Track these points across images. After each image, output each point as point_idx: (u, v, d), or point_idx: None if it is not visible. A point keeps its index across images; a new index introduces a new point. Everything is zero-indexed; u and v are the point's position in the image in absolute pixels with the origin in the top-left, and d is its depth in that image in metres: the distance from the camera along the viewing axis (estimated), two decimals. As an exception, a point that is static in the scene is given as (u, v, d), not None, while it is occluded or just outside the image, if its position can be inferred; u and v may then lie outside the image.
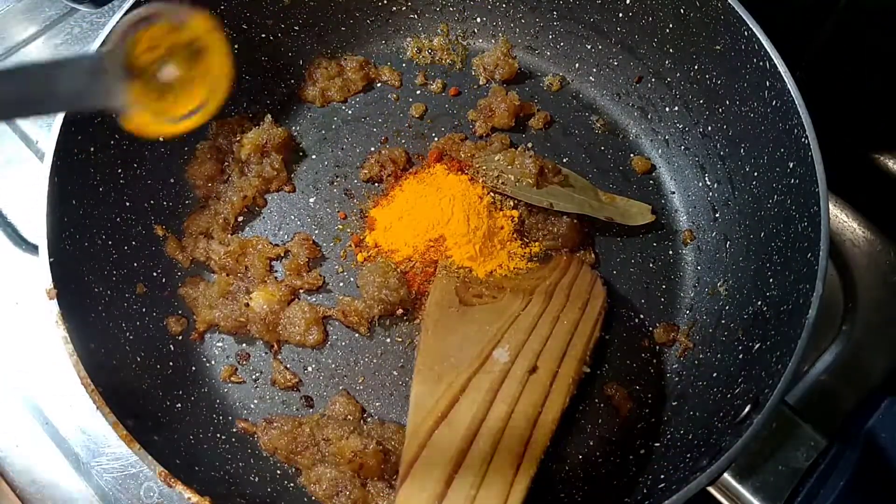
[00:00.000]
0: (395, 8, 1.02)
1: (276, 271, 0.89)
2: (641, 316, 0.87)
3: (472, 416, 0.60)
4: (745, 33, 0.78)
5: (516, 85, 1.00)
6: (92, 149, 0.82)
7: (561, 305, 0.76)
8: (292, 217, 0.93)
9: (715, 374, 0.78)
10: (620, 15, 0.94)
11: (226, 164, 0.94)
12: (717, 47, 0.84)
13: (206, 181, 0.92)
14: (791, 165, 0.75)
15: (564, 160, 0.95)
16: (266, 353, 0.86)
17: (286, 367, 0.84)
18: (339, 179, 0.95)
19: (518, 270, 0.84)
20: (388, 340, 0.86)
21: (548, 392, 0.65)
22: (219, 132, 0.94)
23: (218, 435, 0.80)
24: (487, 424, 0.60)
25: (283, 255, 0.90)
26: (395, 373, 0.84)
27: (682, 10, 0.86)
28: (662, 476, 0.71)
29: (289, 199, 0.94)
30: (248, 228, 0.93)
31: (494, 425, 0.60)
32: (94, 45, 0.81)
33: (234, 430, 0.81)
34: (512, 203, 0.88)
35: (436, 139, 0.96)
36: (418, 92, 1.01)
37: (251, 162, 0.93)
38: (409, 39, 1.04)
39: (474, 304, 0.75)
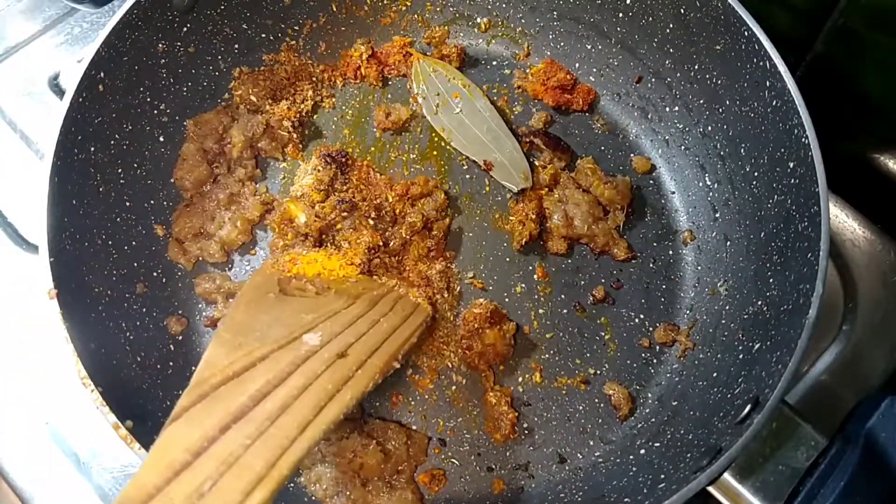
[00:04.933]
0: (395, 8, 1.02)
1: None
2: (641, 316, 0.87)
3: (265, 379, 0.58)
4: (745, 33, 0.78)
5: (516, 85, 1.01)
6: (92, 149, 0.82)
7: (382, 313, 0.75)
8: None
9: (715, 374, 0.79)
10: (620, 15, 0.94)
11: (215, 165, 0.94)
12: (717, 47, 0.84)
13: (195, 184, 0.92)
14: (791, 165, 0.75)
15: (564, 160, 0.95)
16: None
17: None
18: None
19: (347, 278, 0.81)
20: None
21: (352, 375, 0.64)
22: (198, 131, 0.93)
23: (218, 435, 0.80)
24: (280, 390, 0.58)
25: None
26: (394, 373, 0.84)
27: (682, 10, 0.86)
28: (662, 476, 0.71)
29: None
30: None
31: (288, 392, 0.58)
32: (94, 45, 0.81)
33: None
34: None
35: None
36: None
37: (243, 158, 0.93)
38: (407, 40, 1.04)
39: (295, 294, 0.73)
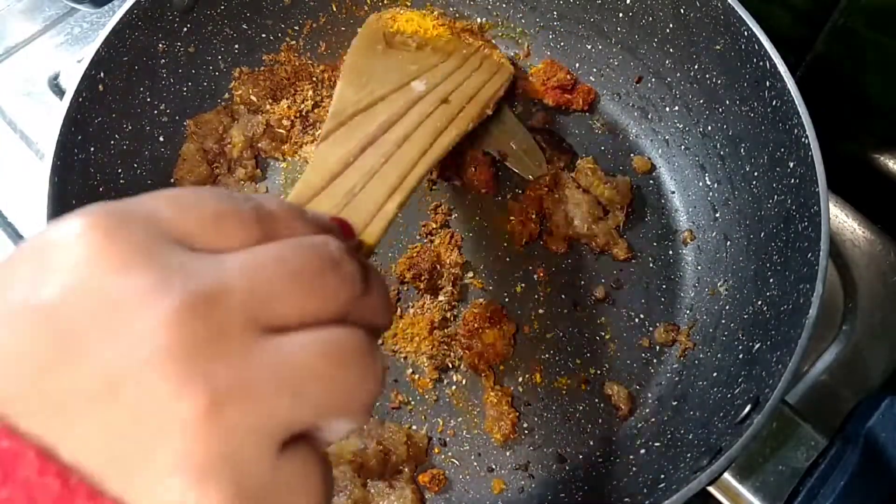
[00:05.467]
0: (395, 8, 1.02)
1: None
2: (641, 316, 0.87)
3: (388, 114, 0.69)
4: (745, 33, 0.78)
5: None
6: (92, 149, 0.82)
7: (474, 67, 0.86)
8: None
9: (715, 374, 0.79)
10: (620, 15, 0.93)
11: (215, 164, 0.94)
12: (717, 47, 0.84)
13: (195, 185, 0.91)
14: (791, 165, 0.75)
15: (564, 160, 0.95)
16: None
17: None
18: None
19: (440, 36, 0.88)
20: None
21: (455, 117, 0.76)
22: (198, 131, 0.93)
23: (218, 435, 0.80)
24: (401, 123, 0.69)
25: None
26: (394, 373, 0.84)
27: (682, 10, 0.86)
28: (662, 476, 0.71)
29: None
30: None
31: (407, 126, 0.69)
32: (94, 45, 0.81)
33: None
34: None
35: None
36: (418, 92, 1.01)
37: (243, 158, 0.93)
38: (409, 39, 1.04)
39: (398, 47, 0.83)
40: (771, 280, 0.77)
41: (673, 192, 0.94)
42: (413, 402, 0.84)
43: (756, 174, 0.82)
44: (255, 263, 0.30)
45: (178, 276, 0.27)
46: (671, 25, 0.89)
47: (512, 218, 0.91)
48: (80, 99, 0.79)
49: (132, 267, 0.27)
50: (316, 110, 0.98)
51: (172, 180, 0.91)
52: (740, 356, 0.76)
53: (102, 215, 0.29)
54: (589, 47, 0.99)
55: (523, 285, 0.89)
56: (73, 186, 0.79)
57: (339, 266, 0.32)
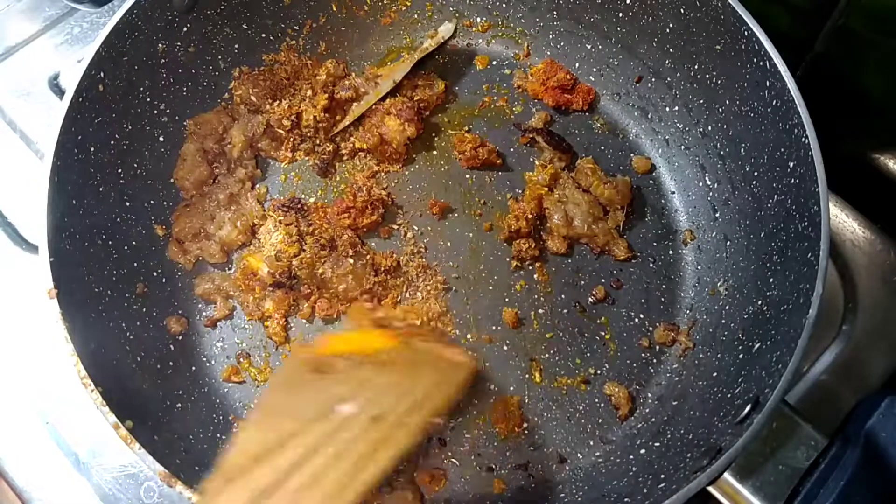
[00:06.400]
0: (395, 8, 1.02)
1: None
2: (641, 316, 0.87)
3: (296, 454, 0.58)
4: (745, 33, 0.78)
5: (516, 85, 1.01)
6: (92, 149, 0.82)
7: (420, 374, 0.72)
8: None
9: (715, 374, 0.79)
10: (620, 15, 0.93)
11: (215, 165, 0.94)
12: (717, 47, 0.84)
13: (195, 184, 0.91)
14: (791, 165, 0.75)
15: (564, 160, 0.95)
16: (266, 353, 0.86)
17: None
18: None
19: (383, 349, 0.76)
20: (388, 340, 0.86)
21: (389, 436, 0.63)
22: (198, 131, 0.93)
23: (218, 435, 0.80)
24: (313, 461, 0.58)
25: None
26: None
27: (682, 10, 0.86)
28: (662, 476, 0.71)
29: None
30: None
31: (320, 462, 0.58)
32: (94, 45, 0.81)
33: (235, 430, 0.81)
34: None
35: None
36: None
37: (243, 158, 0.93)
38: (407, 40, 1.04)
39: (328, 371, 0.70)
40: (771, 280, 0.77)
41: (673, 192, 0.94)
42: (413, 402, 0.84)
43: (756, 174, 0.82)
44: None
45: None
46: (671, 25, 0.89)
47: (509, 216, 0.90)
48: (80, 99, 0.79)
49: None
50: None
51: (172, 180, 0.92)
52: (740, 356, 0.76)
53: None
54: (589, 47, 0.99)
55: (523, 285, 0.89)
56: (73, 186, 0.79)
57: None
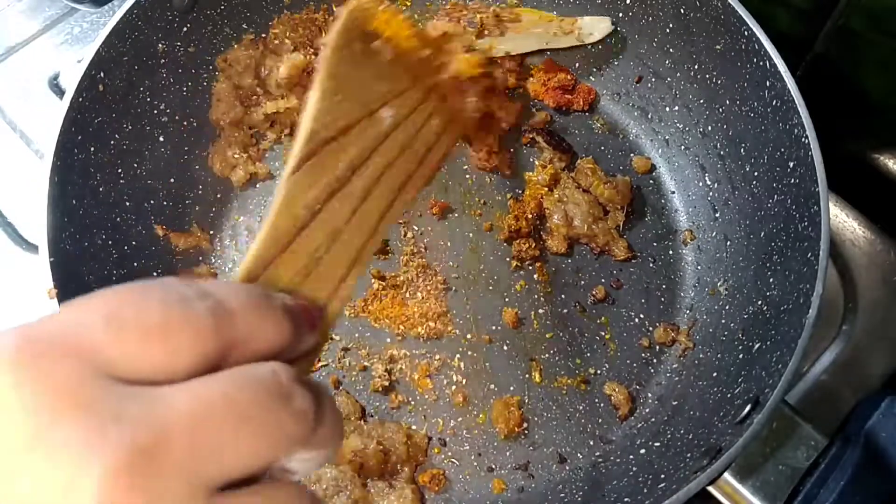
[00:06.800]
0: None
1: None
2: (641, 316, 0.87)
3: (356, 150, 0.60)
4: (745, 33, 0.78)
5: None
6: (92, 149, 0.82)
7: (431, 110, 0.73)
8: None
9: (715, 374, 0.79)
10: (620, 15, 0.94)
11: (253, 97, 0.95)
12: (717, 47, 0.84)
13: (234, 123, 0.93)
14: (791, 165, 0.75)
15: (564, 160, 0.95)
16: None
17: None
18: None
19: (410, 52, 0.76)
20: (389, 340, 0.86)
21: (411, 175, 0.66)
22: (229, 68, 0.94)
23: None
24: (368, 166, 0.60)
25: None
26: (394, 372, 0.85)
27: (682, 10, 0.86)
28: (662, 476, 0.71)
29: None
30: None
31: (372, 173, 0.60)
32: (94, 45, 0.81)
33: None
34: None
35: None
36: (418, 92, 1.01)
37: (285, 87, 0.93)
38: (409, 39, 1.04)
39: (374, 55, 0.70)
40: (771, 280, 0.77)
41: (673, 192, 0.94)
42: (413, 402, 0.84)
43: (756, 174, 0.82)
44: (199, 407, 0.26)
45: (112, 427, 0.24)
46: (671, 25, 0.89)
47: (508, 215, 0.90)
48: (80, 99, 0.79)
49: (57, 422, 0.24)
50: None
51: (172, 180, 0.92)
52: (740, 356, 0.76)
53: (20, 351, 0.25)
54: (589, 47, 0.99)
55: (523, 285, 0.89)
56: (73, 186, 0.79)
57: (290, 401, 0.29)
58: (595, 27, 0.95)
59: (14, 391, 0.24)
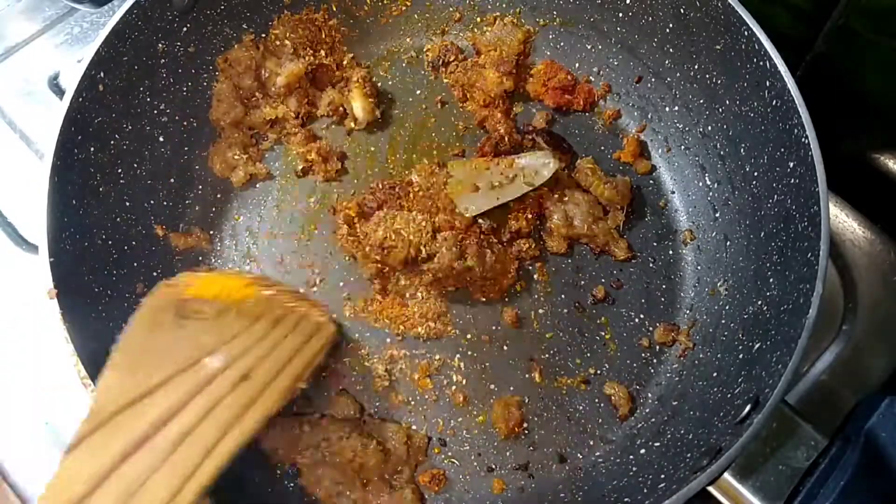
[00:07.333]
0: (395, 8, 1.02)
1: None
2: (641, 316, 0.87)
3: (166, 405, 0.59)
4: (745, 33, 0.78)
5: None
6: (92, 149, 0.82)
7: (284, 333, 0.73)
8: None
9: (715, 374, 0.79)
10: (620, 15, 0.94)
11: (253, 98, 0.95)
12: (717, 47, 0.84)
13: (234, 123, 0.94)
14: (791, 165, 0.75)
15: (564, 160, 0.95)
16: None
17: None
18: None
19: (247, 298, 0.76)
20: (389, 340, 0.86)
21: (257, 398, 0.64)
22: (229, 68, 0.94)
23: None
24: (183, 415, 0.59)
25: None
26: (394, 372, 0.85)
27: (682, 10, 0.86)
28: (662, 476, 0.71)
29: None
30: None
31: (191, 417, 0.59)
32: (94, 45, 0.81)
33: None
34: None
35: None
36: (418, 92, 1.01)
37: (283, 94, 0.95)
38: (407, 40, 1.04)
39: (192, 317, 0.70)
40: (771, 280, 0.77)
41: (673, 192, 0.94)
42: (413, 402, 0.84)
43: (756, 174, 0.82)
44: None
45: None
46: (671, 25, 0.89)
47: (510, 216, 0.90)
48: (80, 99, 0.79)
49: None
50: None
51: (172, 180, 0.91)
52: (740, 356, 0.76)
53: None
54: (589, 47, 0.99)
55: (523, 285, 0.89)
56: (73, 186, 0.79)
57: None
58: (538, 166, 0.88)
59: None
